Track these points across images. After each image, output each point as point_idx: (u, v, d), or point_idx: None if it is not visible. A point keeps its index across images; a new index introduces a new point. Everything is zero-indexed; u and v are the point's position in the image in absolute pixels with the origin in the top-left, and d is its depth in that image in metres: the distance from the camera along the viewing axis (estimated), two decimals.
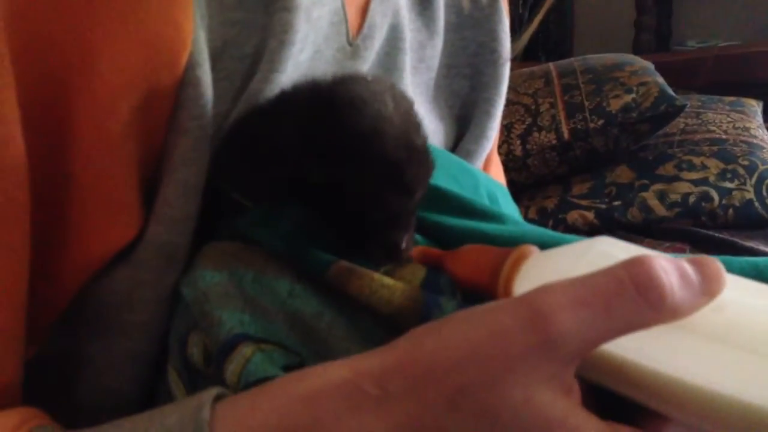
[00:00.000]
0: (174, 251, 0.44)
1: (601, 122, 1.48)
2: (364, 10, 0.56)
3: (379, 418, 0.29)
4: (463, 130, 0.66)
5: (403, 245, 0.41)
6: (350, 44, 0.55)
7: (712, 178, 1.39)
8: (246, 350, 0.39)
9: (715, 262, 0.30)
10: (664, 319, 0.29)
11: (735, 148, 1.45)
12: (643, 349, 0.29)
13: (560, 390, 0.29)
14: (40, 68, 0.38)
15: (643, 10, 2.54)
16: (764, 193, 1.36)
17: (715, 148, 1.46)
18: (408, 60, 0.61)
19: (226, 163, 0.45)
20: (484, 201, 0.53)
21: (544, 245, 0.37)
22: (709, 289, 0.30)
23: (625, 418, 0.31)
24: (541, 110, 1.56)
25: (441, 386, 0.29)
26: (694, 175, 1.40)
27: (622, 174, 1.47)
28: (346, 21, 0.54)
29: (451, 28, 0.65)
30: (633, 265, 0.29)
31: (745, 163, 1.41)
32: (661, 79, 1.53)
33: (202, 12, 0.42)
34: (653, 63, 1.65)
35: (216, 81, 0.44)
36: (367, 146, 0.39)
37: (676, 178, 1.41)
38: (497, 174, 0.74)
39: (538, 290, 0.29)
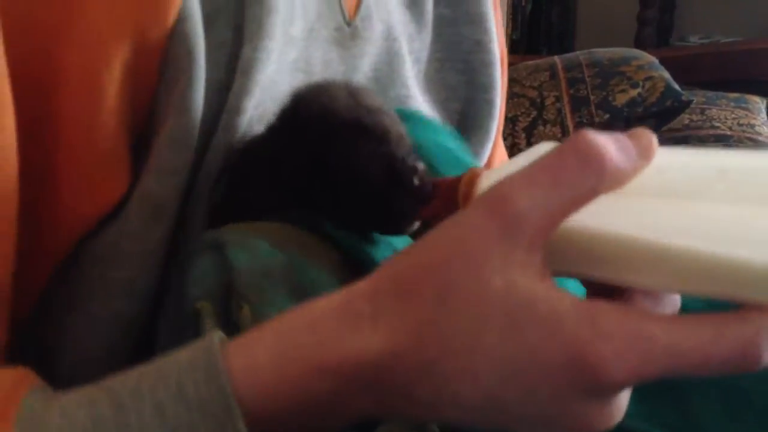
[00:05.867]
0: (161, 204, 0.44)
1: (606, 116, 1.48)
2: None
3: (375, 331, 0.31)
4: (461, 126, 0.66)
5: (416, 182, 0.43)
6: (348, 24, 0.55)
7: None
8: None
9: (647, 131, 0.32)
10: (610, 184, 0.31)
11: (740, 144, 1.45)
12: (600, 218, 0.31)
13: (536, 275, 0.30)
14: (25, 19, 0.38)
15: (646, 3, 2.53)
16: None
17: (719, 144, 1.46)
18: (405, 49, 0.61)
19: (240, 182, 0.46)
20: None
21: None
22: (645, 153, 0.32)
23: None
24: (546, 104, 1.55)
25: (427, 288, 0.31)
26: None
27: None
28: (340, 1, 0.54)
29: (445, 23, 0.65)
30: (573, 140, 0.31)
31: None
32: (667, 74, 1.53)
33: None
34: (656, 58, 1.65)
35: (210, 48, 0.44)
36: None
37: None
38: (502, 156, 0.75)
39: (493, 185, 0.31)
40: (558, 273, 0.32)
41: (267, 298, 0.41)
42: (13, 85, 0.38)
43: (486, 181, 0.38)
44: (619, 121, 1.47)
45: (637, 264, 0.31)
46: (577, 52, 1.74)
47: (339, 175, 0.43)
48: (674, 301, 0.33)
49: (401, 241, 0.46)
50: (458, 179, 0.40)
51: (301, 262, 0.43)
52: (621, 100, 1.48)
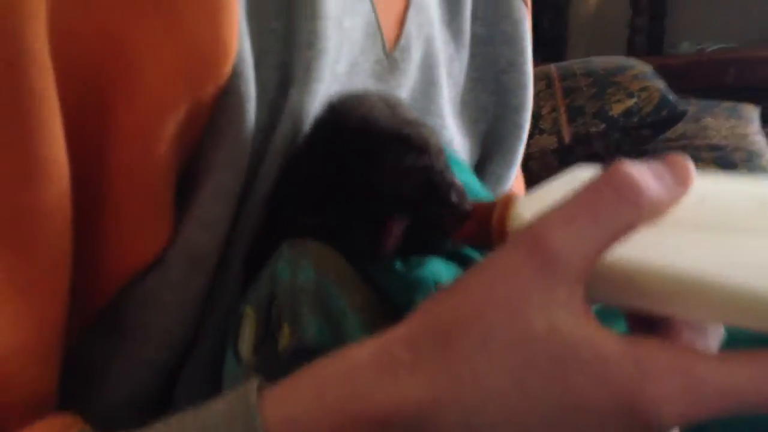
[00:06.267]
0: (202, 255, 0.43)
1: (602, 126, 1.48)
2: (401, 22, 0.55)
3: (416, 378, 0.30)
4: (487, 147, 0.66)
5: (454, 198, 0.42)
6: (387, 56, 0.54)
7: None
8: None
9: (682, 156, 0.32)
10: (648, 215, 0.30)
11: (735, 154, 1.46)
12: (640, 252, 0.31)
13: (578, 312, 0.29)
14: (82, 73, 0.38)
15: (638, 11, 2.54)
16: None
17: (714, 154, 1.47)
18: (444, 74, 0.60)
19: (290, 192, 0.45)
20: None
21: None
22: (681, 180, 0.31)
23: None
24: (542, 113, 1.55)
25: (468, 335, 0.30)
26: None
27: None
28: (381, 32, 0.53)
29: (480, 41, 0.64)
30: (607, 173, 0.30)
31: (745, 170, 1.42)
32: (662, 84, 1.53)
33: (245, 22, 0.42)
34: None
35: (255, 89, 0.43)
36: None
37: None
38: (518, 186, 0.74)
39: (530, 223, 0.31)
40: (598, 302, 0.32)
41: (299, 319, 0.41)
42: (67, 137, 0.38)
43: (521, 208, 0.37)
44: (615, 131, 1.47)
45: (680, 297, 0.30)
46: (572, 61, 1.75)
47: (377, 185, 0.43)
48: (718, 331, 0.33)
49: (432, 277, 0.45)
50: (493, 203, 0.39)
51: (332, 291, 0.42)
52: (617, 110, 1.49)
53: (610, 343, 0.29)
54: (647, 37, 2.63)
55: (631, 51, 2.58)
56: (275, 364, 0.42)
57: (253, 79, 0.42)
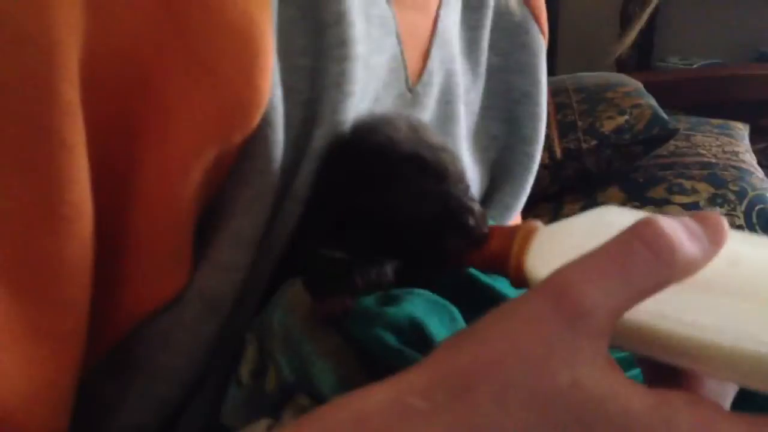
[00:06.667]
0: (218, 300, 0.42)
1: (594, 143, 1.48)
2: (425, 56, 0.54)
3: (432, 429, 0.29)
4: (497, 177, 0.65)
5: (471, 222, 0.41)
6: (410, 91, 0.53)
7: (702, 203, 1.40)
8: (303, 402, 0.40)
9: (714, 213, 0.32)
10: (680, 274, 0.30)
11: (725, 173, 1.46)
12: (668, 311, 0.30)
13: (604, 366, 0.29)
14: (112, 131, 0.37)
15: (628, 24, 2.56)
16: (754, 220, 1.37)
17: (705, 172, 1.47)
18: (462, 109, 0.59)
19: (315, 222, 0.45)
20: None
21: None
22: (715, 239, 0.31)
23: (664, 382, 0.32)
24: None
25: (487, 386, 0.29)
26: (684, 199, 1.41)
27: (613, 195, 1.47)
28: (406, 67, 0.52)
29: (495, 71, 0.63)
30: (640, 227, 0.30)
31: (735, 188, 1.42)
32: (653, 101, 1.54)
33: (276, 65, 0.41)
34: (640, 82, 1.66)
35: None
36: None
37: (667, 202, 1.41)
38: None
39: (558, 271, 0.30)
40: (617, 348, 0.32)
41: (275, 360, 0.41)
42: (93, 184, 0.37)
43: (542, 238, 0.37)
44: (607, 147, 1.47)
45: (701, 358, 0.30)
46: (563, 76, 1.75)
47: (394, 207, 0.42)
48: None
49: (405, 315, 0.44)
50: (514, 229, 0.39)
51: (298, 336, 0.42)
52: (608, 126, 1.49)
53: (637, 398, 0.28)
54: (636, 52, 2.65)
55: (621, 66, 2.60)
56: (266, 396, 0.42)
57: (283, 125, 0.41)
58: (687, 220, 0.31)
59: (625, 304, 0.29)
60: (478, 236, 0.41)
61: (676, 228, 0.30)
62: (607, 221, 0.33)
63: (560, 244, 0.34)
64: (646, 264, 0.29)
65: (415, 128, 0.45)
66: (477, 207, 0.42)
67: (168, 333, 0.43)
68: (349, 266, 0.45)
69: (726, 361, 0.29)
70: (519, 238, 0.38)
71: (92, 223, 0.37)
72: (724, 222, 0.32)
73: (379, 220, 0.42)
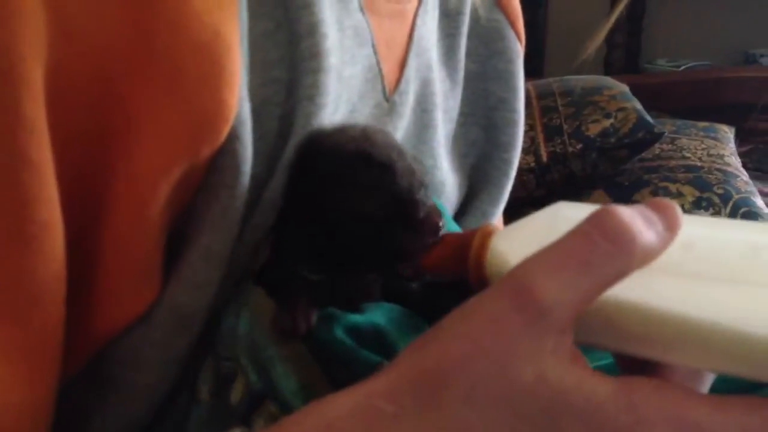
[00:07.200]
0: (188, 315, 0.42)
1: (579, 146, 1.48)
2: (402, 65, 0.54)
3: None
4: (475, 183, 0.65)
5: (422, 214, 0.42)
6: (387, 100, 0.53)
7: (687, 206, 1.41)
8: (272, 409, 0.40)
9: (668, 201, 0.32)
10: (639, 263, 0.30)
11: (710, 176, 1.47)
12: (629, 298, 0.30)
13: (567, 359, 0.29)
14: (80, 148, 0.37)
15: (614, 27, 2.57)
16: None
17: (690, 175, 1.47)
18: (440, 117, 0.59)
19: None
20: None
21: None
22: (671, 225, 0.31)
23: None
24: None
25: (453, 387, 0.29)
26: None
27: (599, 199, 1.47)
28: (382, 77, 0.52)
29: (472, 77, 0.63)
30: (598, 218, 0.29)
31: (720, 191, 1.43)
32: (638, 105, 1.54)
33: (246, 81, 0.40)
34: (627, 84, 1.66)
35: (252, 141, 0.42)
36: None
37: None
38: (498, 224, 0.73)
39: (516, 268, 0.30)
40: (583, 344, 0.31)
41: (242, 367, 0.41)
42: (63, 202, 0.36)
43: (500, 241, 0.36)
44: (592, 151, 1.47)
45: (664, 342, 0.30)
46: (550, 79, 1.75)
47: (344, 207, 0.42)
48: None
49: (367, 321, 0.44)
50: (471, 234, 0.38)
51: (261, 341, 0.42)
52: (594, 130, 1.49)
53: (601, 388, 0.28)
54: (624, 53, 2.66)
55: (608, 67, 2.60)
56: (230, 410, 0.42)
57: (251, 140, 0.41)
58: (642, 208, 0.31)
59: (587, 295, 0.29)
60: (430, 228, 0.41)
61: (633, 217, 0.29)
62: (564, 216, 0.33)
63: (520, 242, 0.34)
64: (607, 255, 0.29)
65: (367, 131, 0.45)
66: (428, 200, 0.42)
67: (138, 349, 0.42)
68: (329, 287, 0.45)
69: (683, 340, 0.29)
70: (478, 238, 0.38)
71: (63, 241, 0.37)
72: (678, 209, 0.32)
73: (332, 221, 0.42)
